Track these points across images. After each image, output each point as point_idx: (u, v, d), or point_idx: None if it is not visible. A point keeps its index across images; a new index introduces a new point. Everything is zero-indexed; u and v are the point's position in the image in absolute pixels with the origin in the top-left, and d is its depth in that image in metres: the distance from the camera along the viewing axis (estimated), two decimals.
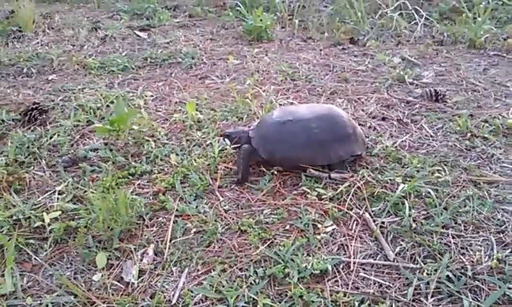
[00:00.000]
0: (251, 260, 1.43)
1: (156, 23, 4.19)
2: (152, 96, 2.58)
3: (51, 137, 2.11)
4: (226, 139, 1.93)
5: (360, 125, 2.22)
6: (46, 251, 1.48)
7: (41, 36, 3.83)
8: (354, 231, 1.55)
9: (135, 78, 2.91)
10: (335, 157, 1.83)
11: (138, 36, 3.84)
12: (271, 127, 1.85)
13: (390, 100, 2.50)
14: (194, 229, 1.56)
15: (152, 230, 1.57)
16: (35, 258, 1.45)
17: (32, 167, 1.92)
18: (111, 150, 2.01)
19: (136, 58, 3.23)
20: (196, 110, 2.27)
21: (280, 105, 2.41)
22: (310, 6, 4.66)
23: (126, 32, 3.92)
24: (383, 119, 2.29)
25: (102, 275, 1.36)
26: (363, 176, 1.77)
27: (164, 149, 2.02)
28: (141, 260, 1.44)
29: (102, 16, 4.58)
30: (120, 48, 3.50)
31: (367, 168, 1.86)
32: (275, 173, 1.83)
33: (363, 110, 2.39)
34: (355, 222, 1.59)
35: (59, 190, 1.76)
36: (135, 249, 1.48)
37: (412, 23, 4.02)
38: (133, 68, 3.06)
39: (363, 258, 1.44)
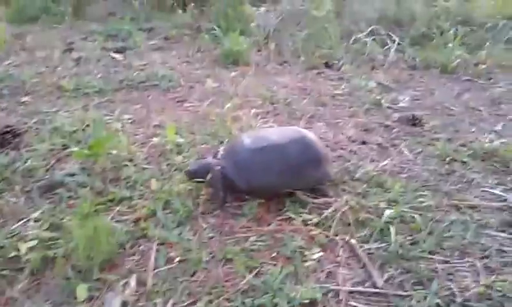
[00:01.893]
0: (238, 290, 1.39)
1: (131, 45, 4.15)
2: (130, 119, 2.53)
3: (25, 162, 2.02)
4: (191, 177, 1.84)
5: (340, 149, 2.24)
6: (22, 282, 1.40)
7: (13, 56, 3.72)
8: (342, 258, 1.54)
9: (111, 101, 2.85)
10: (312, 181, 1.82)
11: (113, 57, 3.79)
12: (248, 155, 1.77)
13: (368, 124, 2.53)
14: (178, 258, 1.52)
15: (134, 259, 1.52)
16: (9, 291, 1.37)
17: (5, 193, 1.83)
18: (88, 175, 1.94)
19: (112, 80, 3.17)
20: (176, 133, 2.24)
21: (260, 128, 2.40)
22: (284, 31, 4.71)
23: (101, 54, 3.86)
24: (363, 143, 2.31)
25: None
26: (347, 201, 1.77)
27: (143, 174, 1.97)
28: (124, 291, 1.38)
29: (75, 38, 4.51)
30: (94, 69, 3.43)
31: (350, 193, 1.86)
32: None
33: (342, 133, 2.40)
34: (342, 248, 1.58)
35: (35, 218, 1.69)
36: (117, 279, 1.42)
37: (385, 48, 4.12)
38: (109, 91, 3.00)
39: (352, 286, 1.43)
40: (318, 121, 2.57)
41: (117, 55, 3.84)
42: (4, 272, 1.44)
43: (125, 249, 1.56)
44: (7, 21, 4.59)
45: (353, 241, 1.60)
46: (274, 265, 1.48)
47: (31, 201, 1.80)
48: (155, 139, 2.23)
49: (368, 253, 1.54)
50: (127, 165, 2.02)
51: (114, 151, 2.06)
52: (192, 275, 1.45)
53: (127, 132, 2.34)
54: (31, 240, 1.52)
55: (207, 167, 1.81)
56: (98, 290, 1.39)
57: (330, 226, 1.66)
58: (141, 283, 1.42)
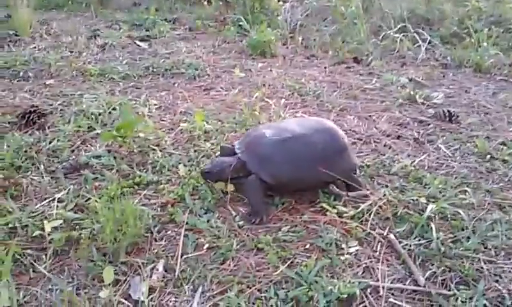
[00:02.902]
0: (271, 281, 1.31)
1: (156, 34, 4.10)
2: (156, 105, 2.46)
3: (50, 142, 1.98)
4: (207, 178, 1.71)
5: (374, 142, 2.15)
6: (45, 262, 1.35)
7: (38, 41, 3.71)
8: (380, 253, 1.45)
9: (137, 87, 2.80)
10: (340, 172, 1.68)
11: (138, 45, 3.74)
12: (270, 147, 1.64)
13: (402, 119, 2.43)
14: (207, 245, 1.45)
15: (161, 244, 1.45)
16: (33, 271, 1.32)
17: (29, 173, 1.78)
18: (114, 158, 1.89)
19: (137, 67, 3.12)
20: (203, 120, 2.17)
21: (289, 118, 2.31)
22: (310, 25, 4.62)
23: (126, 42, 3.82)
24: (398, 137, 2.22)
25: (109, 292, 1.23)
26: (384, 195, 1.68)
27: (170, 159, 1.90)
28: (151, 277, 1.31)
29: (100, 25, 4.48)
30: (120, 56, 3.39)
31: (387, 187, 1.77)
32: None
33: (376, 127, 2.31)
34: (379, 243, 1.49)
35: (59, 198, 1.64)
36: (143, 264, 1.35)
37: (415, 46, 4.00)
38: (134, 77, 2.95)
39: (392, 283, 1.34)
40: (349, 114, 2.48)
41: (142, 44, 3.79)
42: (28, 251, 1.38)
43: (152, 233, 1.49)
44: (33, 8, 4.58)
45: (392, 236, 1.50)
46: (308, 257, 1.40)
47: (55, 181, 1.75)
48: (182, 125, 2.17)
49: (408, 250, 1.45)
50: (154, 149, 1.96)
51: (141, 135, 2.00)
52: (222, 264, 1.38)
53: (154, 117, 2.28)
54: (56, 219, 1.46)
55: (220, 166, 1.69)
56: (124, 273, 1.33)
57: (367, 220, 1.57)
58: (168, 268, 1.35)
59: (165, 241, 1.47)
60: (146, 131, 2.04)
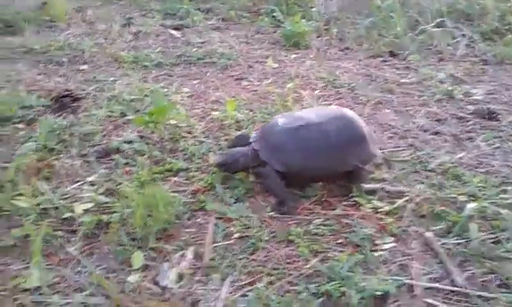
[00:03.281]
0: (302, 274, 1.28)
1: (190, 24, 4.09)
2: (188, 93, 2.45)
3: (83, 126, 1.99)
4: (223, 170, 1.67)
5: (411, 137, 2.07)
6: (75, 245, 1.35)
7: (73, 27, 3.75)
8: (415, 251, 1.39)
9: (169, 75, 2.79)
10: (357, 162, 1.62)
11: (172, 34, 3.74)
12: (282, 135, 1.60)
13: (440, 115, 2.34)
14: (237, 234, 1.42)
15: (191, 232, 1.43)
16: (64, 252, 1.32)
17: (62, 155, 1.79)
18: (146, 144, 1.88)
19: (170, 55, 3.12)
20: (235, 109, 2.14)
21: None
22: (345, 18, 4.53)
23: (159, 30, 3.82)
24: (436, 133, 2.13)
25: (138, 277, 1.22)
26: (421, 192, 1.61)
27: (201, 147, 1.88)
28: (179, 264, 1.29)
29: (135, 14, 4.49)
30: (153, 44, 3.39)
31: (423, 183, 1.70)
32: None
33: (413, 122, 2.23)
34: (415, 240, 1.43)
35: (91, 181, 1.64)
36: (173, 250, 1.34)
37: (454, 41, 3.87)
38: (167, 65, 2.95)
39: (428, 282, 1.28)
40: (385, 108, 2.40)
41: (175, 32, 3.79)
42: (58, 233, 1.39)
43: (182, 220, 1.47)
44: None
45: (429, 234, 1.44)
46: (341, 251, 1.36)
47: (87, 165, 1.76)
48: (214, 113, 2.14)
49: (446, 249, 1.39)
50: (185, 137, 1.95)
51: (173, 122, 1.98)
52: (251, 254, 1.35)
53: (186, 105, 2.27)
54: (87, 202, 1.46)
55: (235, 156, 1.65)
56: (153, 259, 1.31)
57: (403, 217, 1.51)
58: (197, 256, 1.34)
59: (195, 228, 1.45)
60: (178, 118, 2.02)
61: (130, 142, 1.88)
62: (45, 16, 3.93)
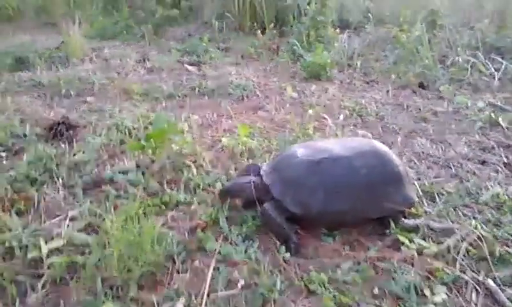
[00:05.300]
0: None
1: (207, 61, 3.92)
2: (198, 121, 2.21)
3: (74, 155, 1.75)
4: (225, 198, 1.42)
5: (454, 167, 1.76)
6: (37, 293, 1.07)
7: (86, 63, 3.62)
8: (475, 304, 1.06)
9: (180, 106, 2.57)
10: (392, 207, 1.31)
11: (187, 69, 3.57)
12: (300, 168, 1.31)
13: (485, 143, 2.03)
14: (242, 282, 1.12)
15: (184, 278, 1.14)
16: (21, 304, 1.04)
17: (45, 186, 1.55)
18: (143, 174, 1.62)
19: (183, 87, 2.91)
20: (248, 137, 1.88)
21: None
22: (369, 54, 4.31)
23: (175, 66, 3.66)
24: (483, 162, 1.82)
25: None
26: (475, 229, 1.29)
27: (207, 177, 1.61)
28: None
29: (152, 52, 4.38)
30: (166, 77, 3.21)
31: (476, 218, 1.38)
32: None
33: (454, 151, 1.92)
34: (474, 290, 1.10)
35: (72, 216, 1.38)
36: (158, 303, 1.04)
37: (487, 73, 3.59)
38: (179, 96, 2.74)
39: None
40: (419, 137, 2.10)
41: (191, 68, 3.61)
42: (20, 277, 1.11)
43: (174, 263, 1.19)
44: (88, 37, 4.58)
45: (491, 282, 1.11)
46: (378, 305, 1.04)
47: (72, 197, 1.50)
48: (224, 140, 1.88)
49: None
50: (189, 166, 1.68)
51: (176, 147, 1.73)
52: None
53: (194, 134, 2.02)
54: (58, 239, 1.20)
55: (242, 185, 1.39)
56: None
57: (455, 260, 1.19)
58: None
59: (190, 273, 1.16)
60: (183, 146, 1.77)
61: (125, 172, 1.63)
62: (60, 54, 3.83)
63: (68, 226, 1.32)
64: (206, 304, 1.05)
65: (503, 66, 3.59)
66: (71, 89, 2.81)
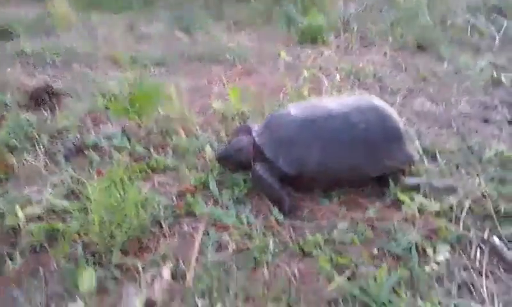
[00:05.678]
0: (322, 298, 0.90)
1: (199, 27, 3.79)
2: (188, 87, 2.12)
3: (57, 122, 1.67)
4: (225, 164, 1.34)
5: (456, 125, 1.69)
6: (16, 262, 1.00)
7: (73, 33, 3.50)
8: (481, 264, 0.99)
9: (170, 72, 2.48)
10: (391, 165, 1.23)
11: (178, 36, 3.45)
12: (294, 127, 1.23)
13: (488, 102, 1.95)
14: (233, 246, 1.05)
15: (172, 243, 1.07)
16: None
17: (25, 154, 1.46)
18: (129, 139, 1.54)
19: (173, 54, 2.81)
20: (240, 101, 1.79)
21: None
22: (366, 17, 4.18)
23: (165, 33, 3.54)
24: (486, 121, 1.74)
25: (86, 305, 0.86)
26: (479, 186, 1.22)
27: (197, 141, 1.53)
28: (152, 286, 0.93)
29: (141, 20, 4.25)
30: (156, 45, 3.10)
31: (479, 176, 1.31)
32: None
33: (456, 110, 1.84)
34: (479, 249, 1.04)
35: (53, 183, 1.30)
36: (143, 268, 0.97)
37: (489, 34, 3.49)
38: (169, 63, 2.63)
39: None
40: (419, 97, 2.02)
41: (182, 35, 3.49)
42: None
43: (162, 227, 1.12)
44: (75, 7, 4.43)
45: (496, 240, 1.05)
46: (378, 266, 0.97)
47: (54, 165, 1.42)
48: (215, 105, 1.79)
49: None
50: (177, 130, 1.60)
51: (163, 112, 1.65)
52: (253, 272, 0.98)
53: (184, 98, 1.92)
54: (37, 204, 1.12)
55: (241, 145, 1.31)
56: (116, 280, 0.95)
57: (458, 218, 1.12)
58: (178, 276, 0.97)
59: (178, 238, 1.09)
60: (171, 110, 1.68)
61: (110, 137, 1.55)
62: (46, 24, 3.70)
63: (50, 193, 1.25)
64: (194, 269, 0.98)
65: (504, 26, 3.48)
66: (56, 58, 2.70)
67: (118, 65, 2.59)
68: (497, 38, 3.38)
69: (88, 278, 0.88)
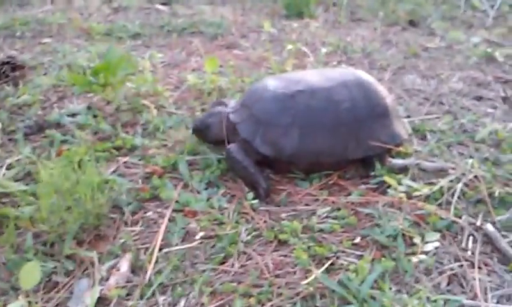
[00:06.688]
0: (298, 293, 0.80)
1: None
2: (163, 61, 1.99)
3: (19, 97, 1.54)
4: (200, 136, 1.24)
5: (447, 103, 1.59)
6: None
7: (47, 4, 3.31)
8: (473, 253, 0.90)
9: (146, 45, 2.33)
10: (377, 145, 1.13)
11: (158, 8, 3.29)
12: (272, 103, 1.12)
13: (480, 78, 1.85)
14: (201, 234, 0.95)
15: (134, 230, 0.97)
16: None
17: None
18: (95, 116, 1.42)
19: (151, 26, 2.66)
20: (218, 74, 1.68)
21: None
22: None
23: (144, 5, 3.37)
24: (479, 98, 1.64)
25: (30, 304, 0.75)
26: (472, 168, 1.12)
27: (170, 119, 1.42)
28: (107, 280, 0.83)
29: None
30: (134, 17, 2.94)
31: (472, 157, 1.21)
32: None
33: (448, 87, 1.74)
34: (471, 237, 0.95)
35: (9, 164, 1.18)
36: (99, 259, 0.87)
37: (482, 10, 3.39)
38: (145, 36, 2.49)
39: (499, 301, 0.80)
40: (410, 74, 1.91)
41: (162, 7, 3.33)
42: None
43: (123, 214, 1.01)
44: None
45: (490, 227, 0.96)
46: (360, 256, 0.88)
47: (13, 144, 1.30)
48: (190, 79, 1.67)
49: None
50: (148, 107, 1.48)
51: (134, 88, 1.52)
52: (221, 263, 0.88)
53: (158, 74, 1.80)
54: None
55: (209, 122, 1.21)
56: (68, 273, 0.85)
57: (449, 203, 1.03)
58: (137, 268, 0.87)
59: (141, 225, 0.98)
60: (142, 85, 1.56)
61: (74, 115, 1.42)
62: None
63: (3, 175, 1.13)
64: (157, 260, 0.88)
65: (498, 2, 3.38)
66: (26, 30, 2.54)
67: (91, 38, 2.43)
68: (491, 14, 3.28)
69: (31, 273, 0.77)
